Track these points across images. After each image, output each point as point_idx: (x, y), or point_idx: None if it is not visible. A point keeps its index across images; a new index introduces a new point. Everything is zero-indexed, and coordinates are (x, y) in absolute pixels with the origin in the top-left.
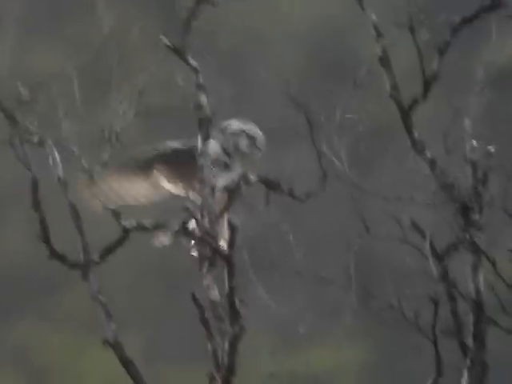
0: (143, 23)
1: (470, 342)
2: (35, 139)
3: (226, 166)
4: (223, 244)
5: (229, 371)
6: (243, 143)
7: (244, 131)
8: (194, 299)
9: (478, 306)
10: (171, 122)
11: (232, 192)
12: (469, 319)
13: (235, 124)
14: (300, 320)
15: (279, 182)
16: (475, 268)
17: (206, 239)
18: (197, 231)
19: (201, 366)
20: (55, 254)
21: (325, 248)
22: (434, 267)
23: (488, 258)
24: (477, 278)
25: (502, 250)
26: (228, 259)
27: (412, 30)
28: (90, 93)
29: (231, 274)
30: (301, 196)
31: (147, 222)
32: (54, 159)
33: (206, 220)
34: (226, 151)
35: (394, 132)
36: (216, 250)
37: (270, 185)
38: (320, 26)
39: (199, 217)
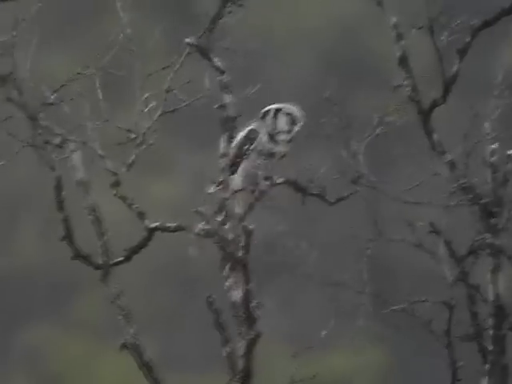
0: (165, 25)
1: (489, 345)
2: (57, 141)
3: (271, 155)
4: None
5: (245, 375)
6: (282, 121)
7: (281, 109)
8: (209, 303)
9: (498, 310)
10: (194, 121)
11: (256, 194)
12: (489, 323)
13: (271, 106)
14: (316, 324)
15: (308, 185)
16: (495, 271)
17: (222, 243)
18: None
19: (217, 370)
20: (79, 255)
21: (339, 252)
22: (449, 271)
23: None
24: (497, 282)
25: None
26: (243, 263)
27: (431, 31)
28: (114, 94)
29: (246, 278)
30: (330, 199)
31: (170, 223)
32: (74, 161)
33: (225, 223)
34: (271, 137)
35: (413, 134)
36: (231, 254)
37: (299, 187)
38: (337, 27)
39: (215, 220)
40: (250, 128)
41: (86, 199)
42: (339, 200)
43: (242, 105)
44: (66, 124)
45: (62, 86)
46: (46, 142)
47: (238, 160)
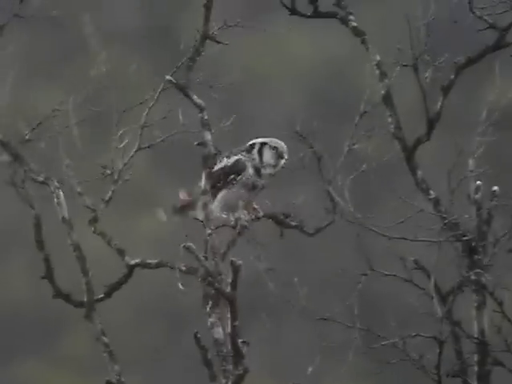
0: (145, 61)
1: (474, 382)
2: (40, 178)
3: (254, 187)
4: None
5: None
6: (268, 155)
7: (267, 143)
8: (197, 340)
9: (482, 346)
10: (174, 157)
11: (238, 228)
12: (474, 359)
13: (257, 140)
14: (304, 360)
15: (288, 216)
16: (480, 308)
17: (209, 279)
18: (200, 270)
19: None
20: (60, 293)
21: (329, 287)
22: (438, 307)
23: (495, 298)
24: (481, 318)
25: (508, 291)
26: (230, 299)
27: (416, 69)
28: (92, 130)
29: (234, 314)
30: (309, 230)
31: (151, 260)
32: (58, 199)
33: (211, 258)
34: (256, 170)
35: (399, 171)
36: (219, 290)
37: (279, 219)
38: (323, 65)
39: (202, 256)
40: (237, 158)
41: (71, 237)
42: (318, 231)
43: (224, 139)
44: (44, 161)
45: (39, 123)
46: (25, 180)
47: (219, 185)
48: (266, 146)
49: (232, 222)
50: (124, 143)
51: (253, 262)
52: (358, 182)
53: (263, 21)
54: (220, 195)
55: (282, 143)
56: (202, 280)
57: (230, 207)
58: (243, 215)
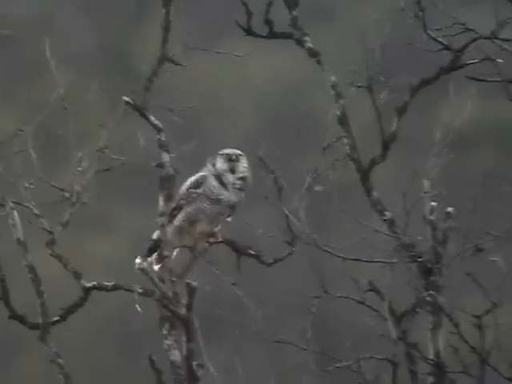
0: (102, 83)
1: None
2: None
3: (218, 201)
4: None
5: None
6: (220, 162)
7: (227, 153)
8: (151, 362)
9: (437, 368)
10: (132, 180)
11: (195, 252)
12: (429, 380)
13: (222, 151)
14: (262, 382)
15: (247, 247)
16: (435, 329)
17: (165, 301)
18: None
19: None
20: (15, 315)
21: (283, 309)
22: (392, 328)
23: (451, 319)
24: (437, 340)
25: (462, 312)
26: (186, 321)
27: (370, 90)
28: (50, 153)
29: (189, 336)
30: (268, 261)
31: (107, 283)
32: (13, 220)
33: (167, 281)
34: (219, 181)
35: (354, 191)
36: (173, 313)
37: (238, 248)
38: (281, 86)
39: (158, 278)
40: (200, 174)
41: (25, 258)
42: (276, 261)
43: (182, 162)
44: (1, 183)
45: None
46: None
47: (183, 202)
48: (218, 156)
49: (190, 245)
50: (83, 166)
51: (211, 283)
52: (314, 203)
53: (220, 43)
54: (182, 210)
55: (234, 150)
56: (157, 302)
57: (192, 220)
58: (200, 239)
